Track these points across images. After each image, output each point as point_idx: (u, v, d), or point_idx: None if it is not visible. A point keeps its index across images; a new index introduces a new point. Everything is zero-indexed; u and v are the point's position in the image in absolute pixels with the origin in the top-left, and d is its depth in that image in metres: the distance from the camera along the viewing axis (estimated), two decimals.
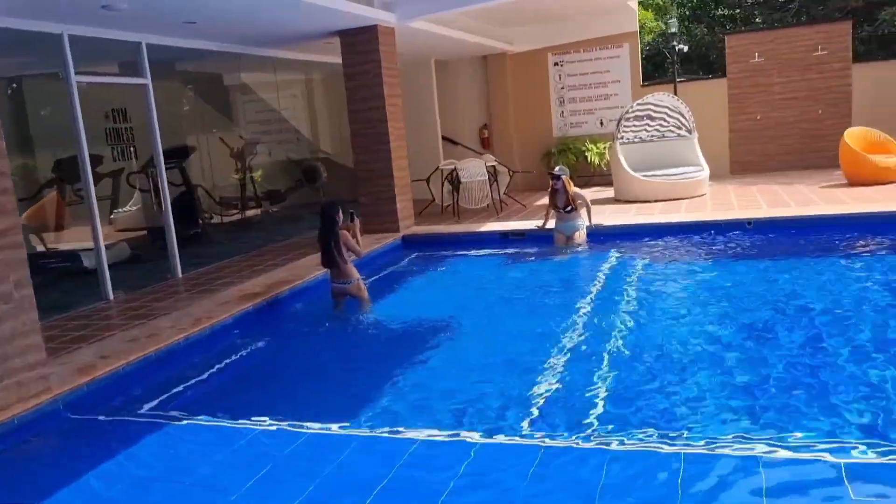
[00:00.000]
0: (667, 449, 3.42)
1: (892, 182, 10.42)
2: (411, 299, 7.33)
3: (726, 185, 11.97)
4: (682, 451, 3.36)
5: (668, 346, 5.05)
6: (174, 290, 7.64)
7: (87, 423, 4.44)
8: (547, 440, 3.65)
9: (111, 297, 7.44)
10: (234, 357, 5.61)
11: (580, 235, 8.60)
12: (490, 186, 11.29)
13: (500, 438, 3.74)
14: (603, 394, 4.31)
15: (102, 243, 7.47)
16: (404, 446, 3.71)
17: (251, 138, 12.37)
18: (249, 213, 12.22)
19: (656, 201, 10.76)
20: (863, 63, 13.20)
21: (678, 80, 14.00)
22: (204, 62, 10.62)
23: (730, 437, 3.50)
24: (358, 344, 5.97)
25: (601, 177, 13.60)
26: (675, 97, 12.00)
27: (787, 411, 3.79)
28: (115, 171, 9.87)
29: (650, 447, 3.46)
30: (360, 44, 9.32)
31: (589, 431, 3.75)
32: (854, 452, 3.23)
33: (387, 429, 3.97)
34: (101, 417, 4.51)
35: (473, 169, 11.14)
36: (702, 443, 3.47)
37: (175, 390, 4.94)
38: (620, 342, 5.26)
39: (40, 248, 9.30)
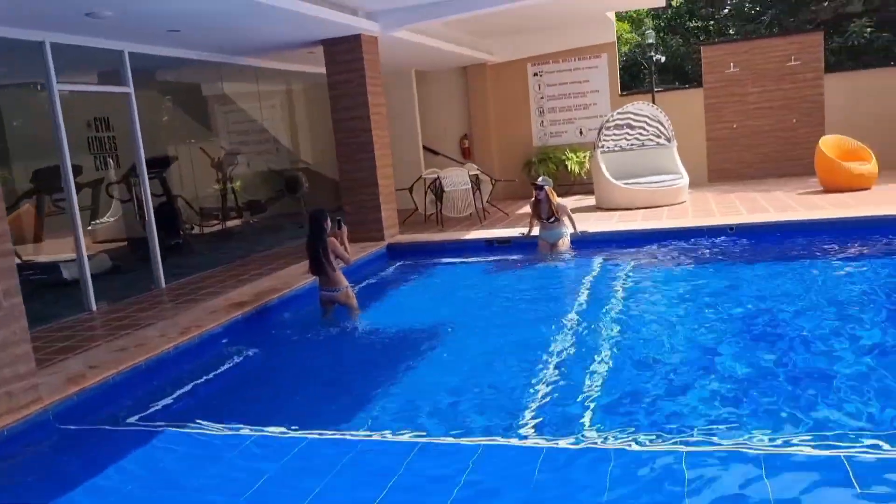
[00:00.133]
0: (669, 448, 3.45)
1: (866, 188, 10.65)
2: (399, 307, 7.32)
3: (705, 192, 12.14)
4: (685, 451, 3.38)
5: (661, 348, 5.10)
6: (158, 301, 7.55)
7: (77, 434, 4.37)
8: (548, 442, 3.66)
9: (94, 308, 7.35)
10: (224, 366, 5.55)
11: (564, 243, 8.66)
12: (473, 195, 11.33)
13: (502, 441, 3.74)
14: (597, 396, 4.34)
15: (85, 254, 7.37)
16: (405, 451, 3.69)
17: (232, 148, 12.29)
18: (230, 223, 12.12)
19: (637, 209, 10.88)
20: (835, 73, 13.48)
21: (656, 89, 14.19)
22: (185, 71, 10.55)
23: (730, 435, 3.55)
24: (349, 351, 5.94)
25: (581, 185, 13.72)
26: (655, 106, 12.16)
27: (786, 409, 3.84)
28: (94, 181, 9.75)
29: (653, 448, 3.48)
30: (344, 53, 9.33)
31: (587, 433, 3.77)
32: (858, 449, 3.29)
33: (388, 433, 3.95)
34: (92, 427, 4.43)
35: (456, 178, 11.18)
36: (705, 441, 3.51)
37: (166, 400, 4.87)
38: (611, 345, 5.30)
39: (16, 260, 9.13)
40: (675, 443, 3.51)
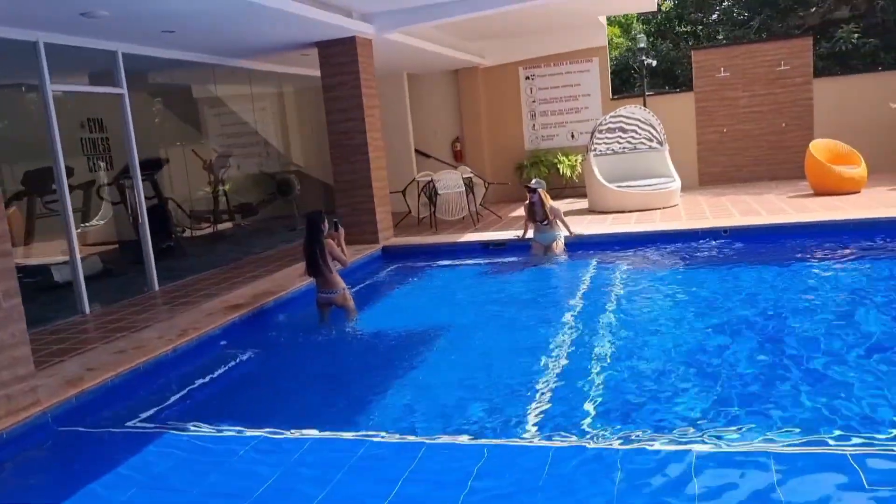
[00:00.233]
0: (675, 447, 3.46)
1: (855, 192, 10.74)
2: (397, 309, 7.31)
3: (696, 195, 12.20)
4: (693, 449, 3.39)
5: (660, 349, 5.11)
6: (152, 303, 7.50)
7: (76, 436, 4.32)
8: (556, 442, 3.66)
9: (88, 310, 7.28)
10: (223, 368, 5.51)
11: (558, 246, 8.66)
12: (466, 198, 11.33)
13: (510, 441, 3.73)
14: (599, 397, 4.35)
15: (79, 256, 7.30)
16: (412, 451, 3.67)
17: (224, 151, 12.23)
18: (223, 226, 12.06)
19: (630, 212, 10.91)
20: (823, 78, 13.60)
21: (647, 93, 14.26)
22: (177, 73, 10.49)
23: (738, 434, 3.56)
24: (348, 354, 5.91)
25: (572, 189, 13.76)
26: (647, 110, 12.21)
27: (792, 406, 3.86)
28: (86, 182, 9.67)
29: (660, 447, 3.49)
30: (339, 55, 9.32)
31: (591, 434, 3.77)
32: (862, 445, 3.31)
33: (397, 435, 3.93)
34: (91, 430, 4.39)
35: (450, 181, 11.18)
36: (714, 441, 3.52)
37: (166, 402, 4.83)
38: (610, 347, 5.31)
39: None
40: (684, 443, 3.52)
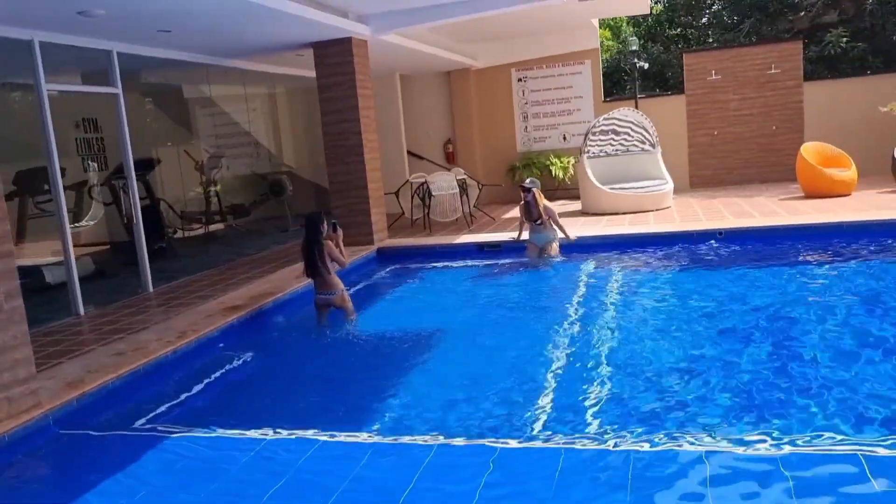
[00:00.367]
0: (688, 447, 3.47)
1: (846, 195, 10.83)
2: (394, 310, 7.29)
3: (688, 198, 12.27)
4: (704, 450, 3.40)
5: (662, 349, 5.13)
6: (147, 305, 7.43)
7: (78, 439, 4.27)
8: (565, 443, 3.66)
9: (82, 312, 7.20)
10: (224, 370, 5.47)
11: (553, 248, 8.65)
12: (460, 200, 11.33)
13: (520, 444, 3.73)
14: (602, 398, 4.36)
15: (73, 257, 7.23)
16: (422, 453, 3.66)
17: (216, 151, 12.17)
18: (214, 227, 11.99)
19: (623, 213, 10.95)
20: (813, 81, 13.73)
21: (638, 96, 14.33)
22: (171, 73, 10.43)
23: (751, 434, 3.58)
24: (349, 355, 5.88)
25: (565, 190, 13.80)
26: (640, 112, 12.27)
27: (801, 409, 3.89)
28: (77, 183, 9.58)
29: (673, 447, 3.50)
30: (334, 56, 9.29)
31: (596, 435, 3.78)
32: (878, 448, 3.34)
33: (407, 437, 3.92)
34: (94, 433, 4.34)
35: (444, 182, 11.17)
36: (723, 442, 3.54)
37: (168, 404, 4.79)
38: (610, 347, 5.33)
39: None
40: (692, 443, 3.53)
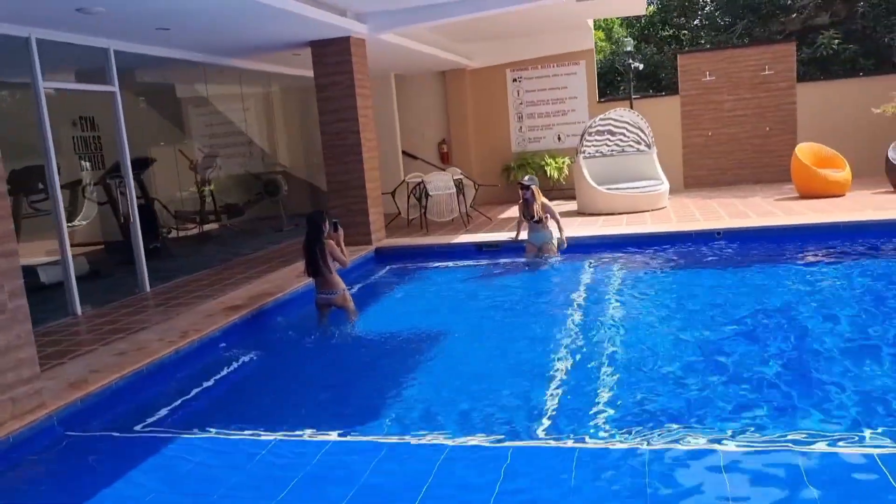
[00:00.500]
0: (705, 446, 3.46)
1: (840, 195, 10.90)
2: (395, 310, 7.27)
3: (683, 198, 12.30)
4: (721, 449, 3.40)
5: (667, 348, 5.13)
6: (145, 304, 7.37)
7: (84, 441, 4.22)
8: (579, 443, 3.64)
9: (79, 312, 7.12)
10: (228, 370, 5.43)
11: (551, 247, 8.63)
12: (457, 199, 11.30)
13: (533, 442, 3.71)
14: (609, 397, 4.35)
15: (70, 257, 7.15)
16: (435, 453, 3.63)
17: (211, 151, 12.09)
18: (208, 227, 11.92)
19: (619, 214, 10.97)
20: (806, 83, 13.80)
21: (633, 97, 14.36)
22: (166, 72, 10.36)
23: (763, 433, 3.57)
24: (353, 355, 5.85)
25: (560, 191, 13.80)
26: (635, 113, 12.29)
27: (819, 407, 3.89)
28: (72, 182, 9.49)
29: (689, 446, 3.49)
30: (333, 55, 9.24)
31: (607, 434, 3.77)
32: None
33: (418, 438, 3.89)
34: (100, 434, 4.29)
35: (441, 182, 11.15)
36: (735, 439, 3.53)
37: (173, 405, 4.74)
38: (613, 346, 5.33)
39: None
40: (708, 442, 3.53)
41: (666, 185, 11.41)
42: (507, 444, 3.70)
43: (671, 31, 19.69)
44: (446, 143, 14.69)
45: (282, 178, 12.66)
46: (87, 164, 9.77)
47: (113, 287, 8.22)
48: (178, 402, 4.80)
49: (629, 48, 14.97)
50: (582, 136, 12.06)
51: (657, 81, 18.44)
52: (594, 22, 17.95)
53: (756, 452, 3.37)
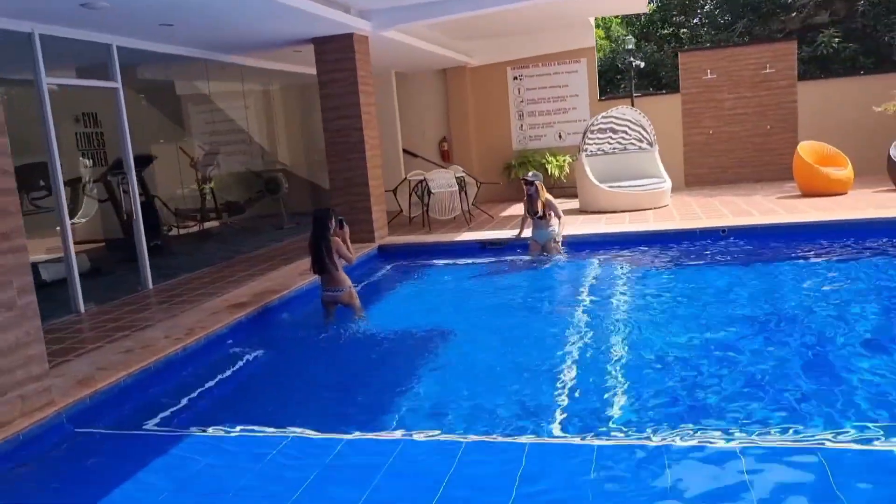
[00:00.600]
0: (723, 444, 3.44)
1: (843, 193, 10.90)
2: (401, 308, 7.24)
3: (684, 196, 12.29)
4: (740, 446, 3.37)
5: (676, 345, 5.11)
6: (149, 302, 7.32)
7: (94, 439, 4.17)
8: (597, 440, 3.62)
9: (82, 309, 7.07)
10: (235, 367, 5.39)
11: (556, 246, 8.60)
12: (459, 197, 11.27)
13: (550, 439, 3.69)
14: (622, 393, 4.33)
15: (73, 254, 7.10)
16: (452, 449, 3.60)
17: (211, 148, 12.03)
18: (209, 224, 11.86)
19: (622, 212, 10.95)
20: (807, 81, 13.81)
21: (634, 94, 14.34)
22: (168, 68, 10.30)
23: (786, 430, 3.55)
24: (361, 352, 5.81)
25: (560, 189, 13.77)
26: (637, 111, 12.27)
27: (837, 404, 3.88)
28: (73, 179, 9.43)
29: (710, 443, 3.47)
30: (335, 51, 9.20)
31: (628, 429, 3.75)
32: None
33: (434, 435, 3.86)
34: (110, 432, 4.24)
35: (443, 180, 11.12)
36: (755, 435, 3.51)
37: (181, 402, 4.70)
38: (621, 343, 5.31)
39: None
40: (727, 439, 3.50)
41: (668, 183, 11.39)
42: (523, 440, 3.67)
43: (671, 30, 19.69)
44: (447, 141, 14.66)
45: (282, 176, 12.62)
46: (90, 161, 9.71)
47: (115, 284, 8.18)
48: (187, 400, 4.75)
49: (630, 46, 14.95)
50: (584, 133, 12.04)
51: (657, 79, 18.44)
52: (594, 20, 17.97)
53: (782, 450, 3.35)
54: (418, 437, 3.83)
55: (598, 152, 11.99)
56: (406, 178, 11.89)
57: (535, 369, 4.89)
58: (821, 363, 4.59)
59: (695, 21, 19.33)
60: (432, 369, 5.13)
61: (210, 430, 4.14)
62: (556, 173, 13.81)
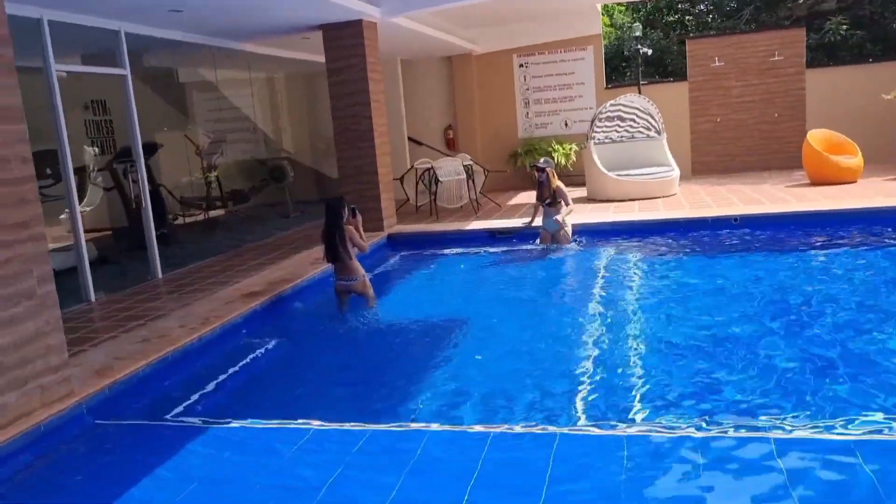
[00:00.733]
0: (752, 434, 3.41)
1: (852, 182, 10.84)
2: (413, 297, 7.20)
3: (692, 185, 12.23)
4: (771, 437, 3.34)
5: (695, 334, 5.07)
6: (159, 291, 7.27)
7: (114, 430, 4.12)
8: (628, 429, 3.59)
9: (93, 298, 7.03)
10: (252, 356, 5.36)
11: (565, 235, 8.53)
12: (466, 186, 11.21)
13: (578, 430, 3.66)
14: (645, 384, 4.29)
15: (84, 243, 7.04)
16: (480, 439, 3.57)
17: (217, 136, 11.95)
18: (214, 213, 11.80)
19: (630, 200, 10.89)
20: (815, 68, 13.72)
21: (641, 82, 14.25)
22: (174, 55, 10.19)
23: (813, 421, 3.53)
24: (377, 341, 5.78)
25: (567, 177, 13.67)
26: (646, 98, 12.19)
27: (854, 393, 3.84)
28: (79, 168, 9.35)
29: (744, 434, 3.44)
30: (344, 38, 9.11)
31: (650, 421, 3.72)
32: None
33: (459, 425, 3.83)
34: (130, 423, 4.21)
35: (451, 168, 11.05)
36: (787, 428, 3.48)
37: (202, 392, 4.66)
38: (641, 333, 5.27)
39: None
40: (760, 430, 3.47)
41: (676, 172, 11.32)
42: (552, 429, 3.63)
43: (676, 17, 19.55)
44: (452, 128, 14.57)
45: (288, 165, 12.55)
46: (99, 149, 9.62)
47: (124, 273, 8.13)
48: (206, 390, 4.71)
49: (637, 33, 14.84)
50: (592, 122, 11.97)
51: (663, 67, 18.33)
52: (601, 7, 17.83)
53: (810, 440, 3.31)
54: (442, 427, 3.79)
55: (606, 140, 11.92)
56: (413, 166, 11.82)
57: (556, 360, 4.85)
58: (850, 354, 4.55)
59: (700, 7, 19.18)
60: (451, 359, 5.08)
61: (230, 420, 4.09)
62: (563, 161, 13.73)
